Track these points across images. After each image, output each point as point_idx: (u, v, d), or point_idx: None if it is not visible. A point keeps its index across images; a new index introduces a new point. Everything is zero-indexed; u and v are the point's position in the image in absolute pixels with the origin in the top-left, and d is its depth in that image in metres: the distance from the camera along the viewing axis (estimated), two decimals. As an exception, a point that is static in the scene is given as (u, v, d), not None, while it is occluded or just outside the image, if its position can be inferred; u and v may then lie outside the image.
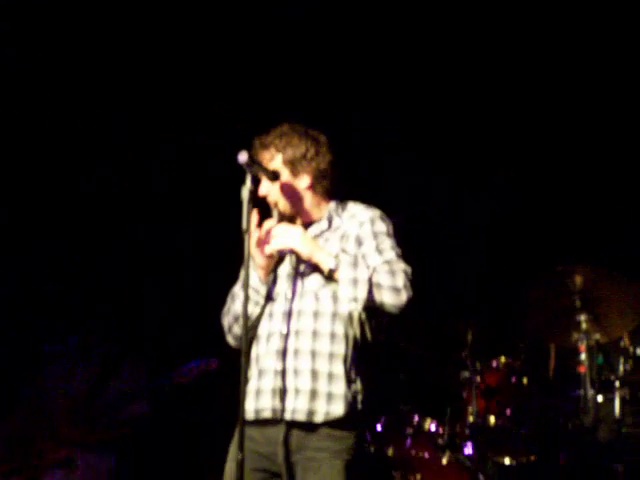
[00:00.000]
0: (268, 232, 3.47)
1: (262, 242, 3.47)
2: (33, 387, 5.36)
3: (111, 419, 5.06)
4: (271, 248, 3.46)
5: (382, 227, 3.53)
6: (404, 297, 3.32)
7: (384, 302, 3.33)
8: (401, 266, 3.39)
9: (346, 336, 3.43)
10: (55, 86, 6.01)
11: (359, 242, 3.50)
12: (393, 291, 3.32)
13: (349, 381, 3.40)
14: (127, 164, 6.64)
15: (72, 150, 6.34)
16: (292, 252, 3.46)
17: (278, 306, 3.49)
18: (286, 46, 6.10)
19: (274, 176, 3.49)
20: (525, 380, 4.93)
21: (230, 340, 3.64)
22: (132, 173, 6.65)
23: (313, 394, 3.36)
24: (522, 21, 5.84)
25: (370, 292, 3.32)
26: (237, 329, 3.58)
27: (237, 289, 3.62)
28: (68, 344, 5.47)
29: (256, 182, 3.39)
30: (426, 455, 4.91)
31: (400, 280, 3.33)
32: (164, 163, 6.69)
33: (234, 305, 3.58)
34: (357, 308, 3.37)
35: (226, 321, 3.62)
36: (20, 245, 6.35)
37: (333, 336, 3.40)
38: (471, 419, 4.89)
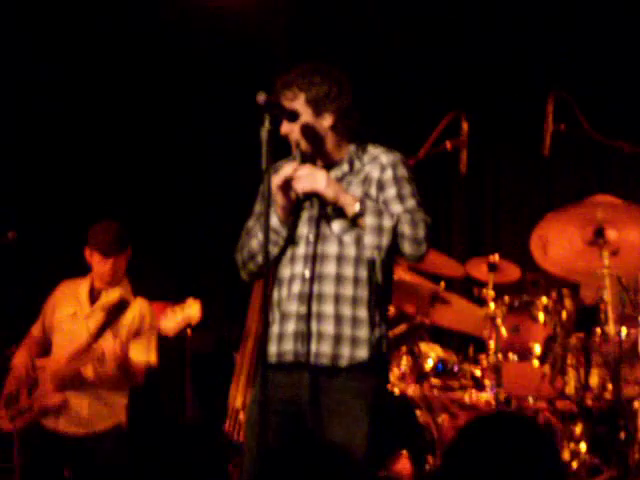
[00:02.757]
0: (291, 173, 3.40)
1: (285, 183, 3.41)
2: None
3: None
4: (296, 191, 3.41)
5: (404, 172, 3.48)
6: (424, 248, 3.35)
7: (404, 252, 3.35)
8: (422, 216, 3.38)
9: (369, 281, 3.41)
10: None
11: (380, 187, 3.46)
12: (414, 242, 3.33)
13: (373, 325, 3.40)
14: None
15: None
16: (316, 195, 3.40)
17: (300, 249, 3.45)
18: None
19: (293, 116, 3.42)
20: (550, 317, 4.86)
21: (244, 276, 3.61)
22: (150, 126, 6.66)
23: (337, 339, 3.36)
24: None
25: (393, 241, 3.32)
26: (252, 266, 3.54)
27: (252, 224, 3.58)
28: None
29: (277, 123, 3.34)
30: (449, 395, 4.91)
31: (421, 231, 3.34)
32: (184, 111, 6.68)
33: (250, 242, 3.53)
34: (380, 256, 3.37)
35: (240, 257, 3.58)
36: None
37: (357, 281, 3.39)
38: (492, 357, 4.85)
